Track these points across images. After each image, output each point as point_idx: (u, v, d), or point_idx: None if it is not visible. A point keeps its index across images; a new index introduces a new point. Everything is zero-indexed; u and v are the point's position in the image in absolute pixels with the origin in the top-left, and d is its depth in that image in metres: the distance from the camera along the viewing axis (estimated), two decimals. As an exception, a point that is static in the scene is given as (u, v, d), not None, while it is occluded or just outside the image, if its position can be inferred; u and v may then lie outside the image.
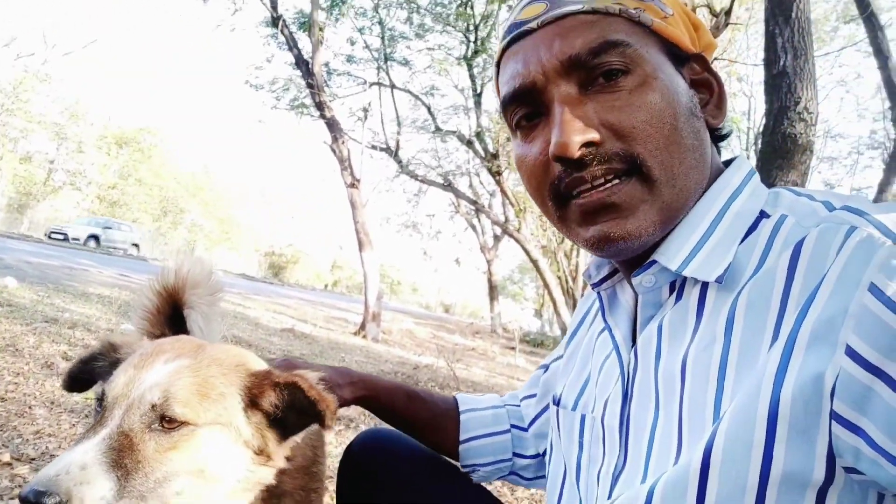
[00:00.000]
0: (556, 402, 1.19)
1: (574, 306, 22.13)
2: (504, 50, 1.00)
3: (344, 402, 1.28)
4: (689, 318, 0.87)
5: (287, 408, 1.09)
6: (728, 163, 1.00)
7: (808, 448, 0.69)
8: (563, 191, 0.92)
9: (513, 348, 19.98)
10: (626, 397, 0.94)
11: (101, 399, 1.03)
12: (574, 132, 0.87)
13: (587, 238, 0.93)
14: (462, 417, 1.39)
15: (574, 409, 1.12)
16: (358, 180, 14.79)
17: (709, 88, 0.97)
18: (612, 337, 1.03)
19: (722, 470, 0.72)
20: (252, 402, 1.09)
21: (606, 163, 0.88)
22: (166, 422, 0.99)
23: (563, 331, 21.35)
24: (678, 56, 0.94)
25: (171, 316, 1.86)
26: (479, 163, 23.21)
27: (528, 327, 40.73)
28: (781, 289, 0.77)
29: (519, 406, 1.45)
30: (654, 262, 0.90)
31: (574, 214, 0.93)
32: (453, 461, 1.41)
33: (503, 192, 23.16)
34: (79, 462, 0.89)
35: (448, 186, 22.38)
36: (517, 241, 21.09)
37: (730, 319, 0.81)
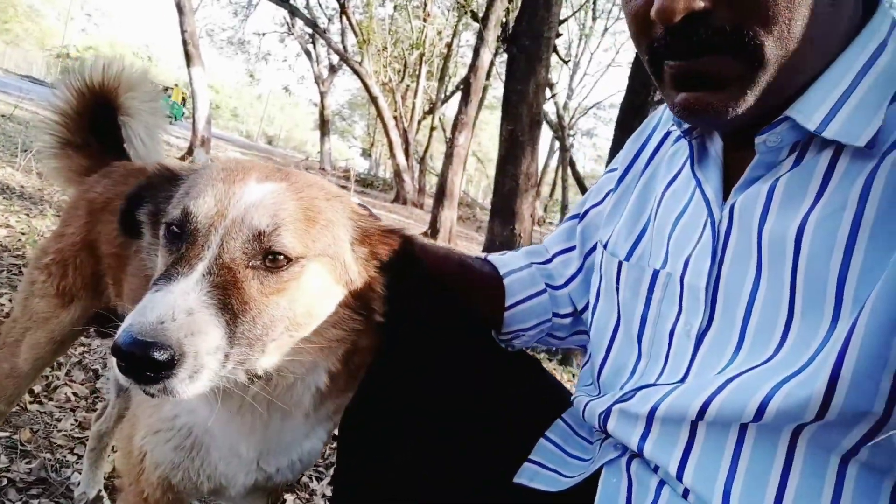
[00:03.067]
0: (605, 247, 1.15)
1: (408, 148, 22.18)
2: None
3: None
4: (813, 182, 0.83)
5: (388, 260, 0.95)
6: (873, 5, 0.89)
7: None
8: (661, 53, 0.86)
9: (345, 188, 19.85)
10: (716, 257, 0.92)
11: (181, 223, 0.80)
12: None
13: (675, 103, 0.88)
14: (505, 281, 1.29)
15: (628, 258, 1.09)
16: (186, -20, 12.76)
17: None
18: (703, 192, 0.98)
19: (850, 390, 0.71)
20: (360, 238, 0.93)
21: (712, 35, 0.80)
22: (271, 257, 0.81)
23: (398, 173, 21.61)
24: None
25: (94, 122, 1.49)
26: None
27: (358, 167, 40.38)
28: None
29: (549, 263, 1.36)
30: (787, 118, 0.84)
31: (667, 76, 0.88)
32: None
33: (346, 18, 21.59)
34: (183, 306, 0.71)
35: (283, 2, 20.27)
36: (358, 74, 20.12)
37: (866, 187, 0.78)
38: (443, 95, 25.19)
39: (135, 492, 1.03)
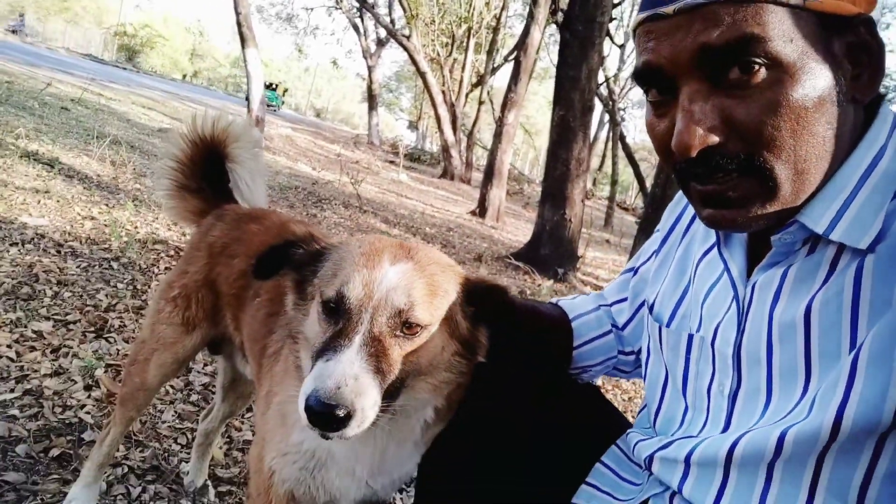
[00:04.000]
0: (651, 310, 1.28)
1: (455, 123, 22.18)
2: (639, 23, 0.97)
3: None
4: (820, 272, 0.95)
5: (485, 310, 1.17)
6: (873, 109, 0.99)
7: None
8: (686, 174, 0.98)
9: (393, 162, 20.05)
10: (740, 328, 1.04)
11: (337, 303, 1.04)
12: (695, 135, 0.89)
13: (703, 217, 1.00)
14: (574, 324, 1.45)
15: (670, 322, 1.22)
16: (240, -38, 12.96)
17: (868, 56, 0.91)
18: (728, 270, 1.11)
19: (856, 419, 0.84)
20: (468, 299, 1.15)
21: (726, 163, 0.91)
22: (407, 326, 1.04)
23: (445, 148, 21.64)
24: (836, 25, 0.89)
25: (205, 169, 1.70)
26: (368, -45, 21.15)
27: (405, 140, 40.48)
28: None
29: (611, 307, 1.52)
30: (796, 221, 0.95)
31: (693, 193, 0.99)
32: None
33: (395, -8, 21.59)
34: (351, 373, 0.95)
35: (332, -22, 20.36)
36: (406, 49, 20.15)
37: (857, 274, 0.89)
38: (491, 68, 25.00)
39: (263, 502, 1.26)
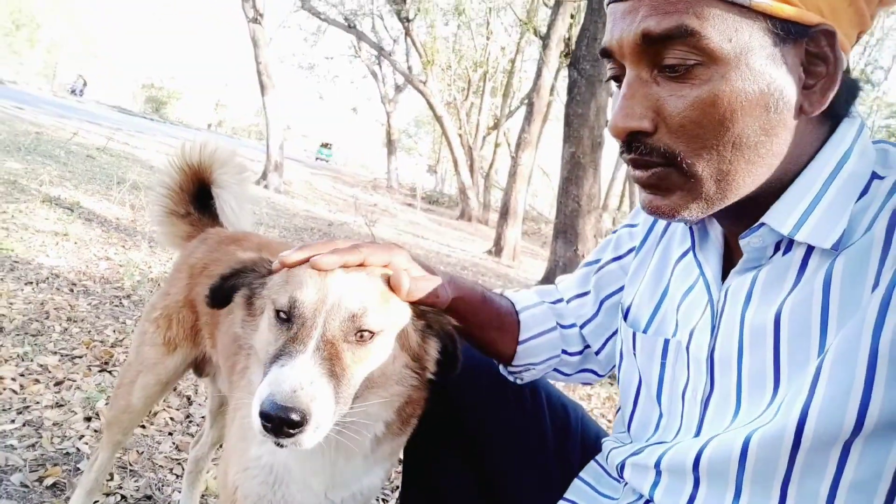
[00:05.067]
0: (626, 316, 1.26)
1: (472, 165, 22.43)
2: (608, 4, 0.99)
3: (446, 303, 1.28)
4: (790, 274, 0.94)
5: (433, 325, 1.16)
6: (838, 115, 0.97)
7: None
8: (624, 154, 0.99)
9: (411, 205, 20.26)
10: (714, 332, 1.03)
11: (289, 308, 1.03)
12: (624, 118, 0.91)
13: (641, 200, 1.01)
14: (521, 316, 1.39)
15: (647, 328, 1.19)
16: (261, 14, 13.51)
17: (826, 67, 0.89)
18: (703, 274, 1.10)
19: (819, 421, 0.82)
20: (417, 314, 1.14)
21: (648, 153, 0.92)
22: (360, 332, 1.03)
23: (462, 190, 21.85)
24: (792, 32, 0.86)
25: (195, 195, 1.75)
26: (386, 5, 21.85)
27: (424, 184, 40.99)
28: (880, 249, 0.85)
29: (560, 303, 1.46)
30: (763, 224, 0.94)
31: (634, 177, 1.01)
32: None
33: (410, 40, 22.13)
34: (307, 378, 0.94)
35: (350, 28, 21.02)
36: (423, 94, 20.56)
37: (827, 278, 0.89)
38: (507, 111, 25.38)
39: None
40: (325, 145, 59.46)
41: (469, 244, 14.68)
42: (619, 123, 0.91)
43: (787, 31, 0.86)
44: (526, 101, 15.46)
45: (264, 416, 0.91)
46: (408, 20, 19.91)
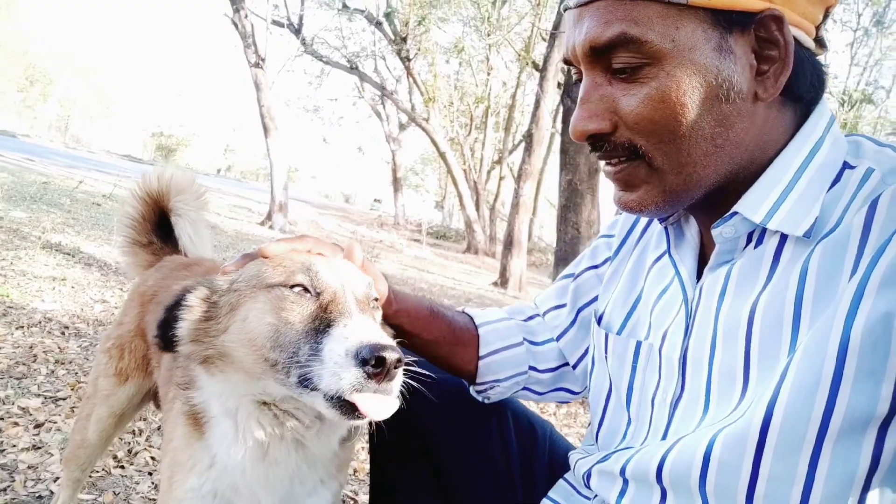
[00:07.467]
0: (599, 321, 1.22)
1: (478, 199, 22.54)
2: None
3: (384, 298, 1.24)
4: (763, 266, 0.92)
5: None
6: (808, 106, 0.97)
7: (874, 386, 0.75)
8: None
9: (418, 240, 20.31)
10: (687, 332, 1.00)
11: (311, 282, 1.04)
12: (582, 121, 0.94)
13: (613, 196, 1.02)
14: (481, 331, 1.35)
15: (620, 331, 1.16)
16: (263, 59, 13.81)
17: (778, 51, 0.89)
18: (678, 273, 1.07)
19: (784, 419, 0.79)
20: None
21: (612, 150, 0.95)
22: (374, 302, 1.11)
23: (468, 224, 21.95)
24: (736, 21, 0.87)
25: (156, 224, 1.74)
26: (387, 46, 22.26)
27: (431, 219, 41.21)
28: (858, 239, 0.83)
29: (532, 319, 1.42)
30: (736, 213, 0.93)
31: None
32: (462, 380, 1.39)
33: (412, 78, 22.48)
34: (377, 329, 0.98)
35: (353, 69, 21.42)
36: (426, 131, 20.81)
37: (804, 270, 0.86)
38: (510, 145, 25.59)
39: None
40: (377, 200, 73.82)
41: (475, 277, 14.64)
42: (578, 127, 0.95)
43: (730, 21, 0.87)
44: (526, 134, 15.60)
45: (371, 359, 0.88)
46: (408, 59, 20.24)
